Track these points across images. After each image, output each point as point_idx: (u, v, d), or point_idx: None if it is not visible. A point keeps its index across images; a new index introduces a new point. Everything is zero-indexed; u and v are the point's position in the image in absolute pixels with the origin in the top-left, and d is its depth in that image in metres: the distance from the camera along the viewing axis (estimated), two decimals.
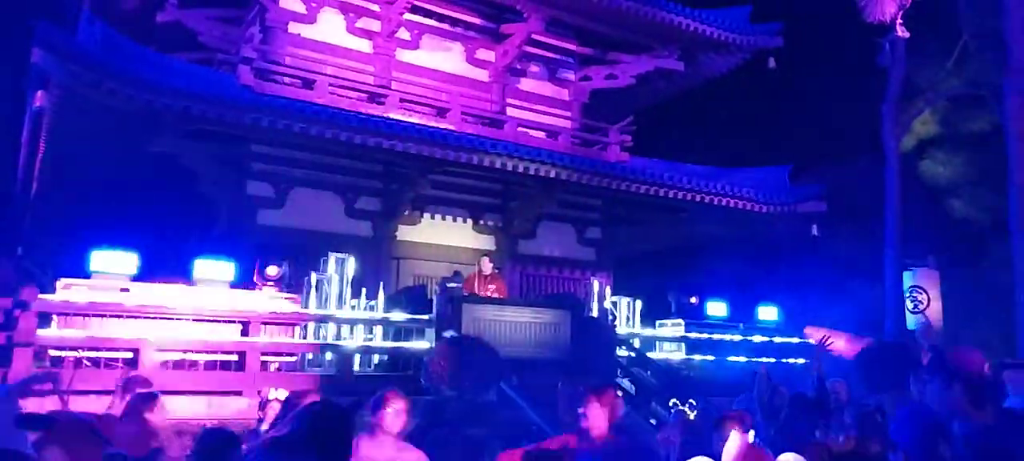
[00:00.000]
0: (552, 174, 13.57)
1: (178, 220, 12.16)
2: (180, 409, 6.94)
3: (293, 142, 12.29)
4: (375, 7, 14.54)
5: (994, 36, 15.39)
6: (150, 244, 10.11)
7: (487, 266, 12.30)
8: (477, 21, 15.52)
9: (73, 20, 10.43)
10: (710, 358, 13.26)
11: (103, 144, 11.52)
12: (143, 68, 10.75)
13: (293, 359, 10.40)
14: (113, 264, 9.52)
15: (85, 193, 12.08)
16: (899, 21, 15.86)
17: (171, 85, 10.67)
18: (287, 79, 13.00)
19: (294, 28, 14.02)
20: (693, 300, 14.51)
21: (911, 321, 10.81)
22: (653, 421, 9.79)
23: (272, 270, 11.08)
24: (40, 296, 8.41)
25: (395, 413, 4.27)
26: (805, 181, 16.41)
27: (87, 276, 9.44)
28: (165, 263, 10.20)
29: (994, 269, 16.06)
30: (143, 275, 9.71)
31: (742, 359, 13.17)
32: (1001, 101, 15.08)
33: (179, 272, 10.09)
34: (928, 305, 10.49)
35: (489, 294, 11.80)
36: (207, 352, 9.46)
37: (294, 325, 10.33)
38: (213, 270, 10.22)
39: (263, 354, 9.67)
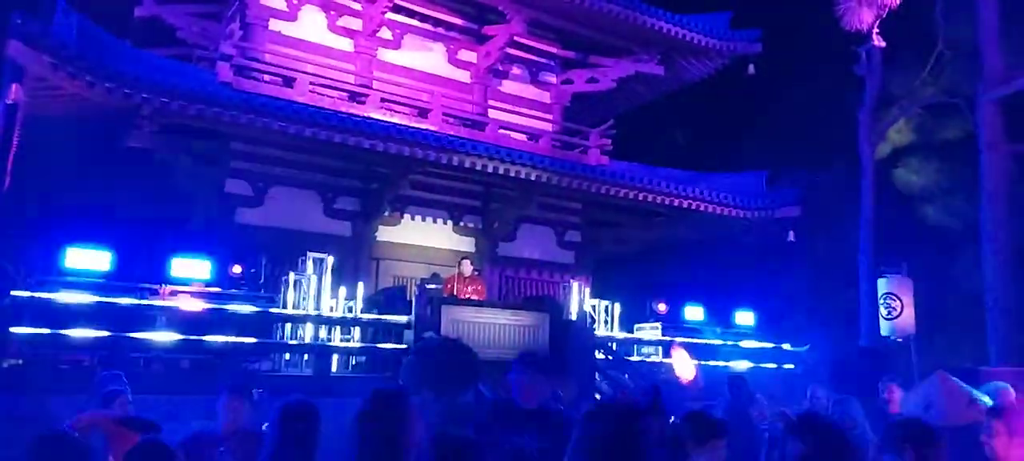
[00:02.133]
0: (532, 176, 13.59)
1: (155, 217, 12.02)
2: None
3: (272, 140, 12.20)
4: (357, 6, 14.46)
5: (968, 46, 15.70)
6: (126, 241, 9.97)
7: (467, 268, 12.29)
8: (459, 22, 15.50)
9: (48, 11, 10.25)
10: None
11: (79, 139, 11.35)
12: (121, 61, 10.60)
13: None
14: (87, 261, 9.37)
15: (60, 188, 11.91)
16: (876, 30, 16.13)
17: (149, 79, 10.54)
18: (267, 77, 12.88)
19: (275, 25, 13.92)
20: (662, 308, 14.48)
21: (884, 327, 10.97)
22: None
23: (236, 269, 11.00)
24: (12, 292, 8.27)
25: None
26: (782, 186, 16.58)
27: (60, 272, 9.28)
28: (141, 261, 10.06)
29: (965, 275, 16.37)
30: (118, 273, 9.57)
31: (720, 363, 13.27)
32: (974, 110, 15.39)
33: (155, 270, 9.95)
34: (901, 312, 10.65)
35: (468, 296, 11.80)
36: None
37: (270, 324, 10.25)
38: (190, 268, 10.10)
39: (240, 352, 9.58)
